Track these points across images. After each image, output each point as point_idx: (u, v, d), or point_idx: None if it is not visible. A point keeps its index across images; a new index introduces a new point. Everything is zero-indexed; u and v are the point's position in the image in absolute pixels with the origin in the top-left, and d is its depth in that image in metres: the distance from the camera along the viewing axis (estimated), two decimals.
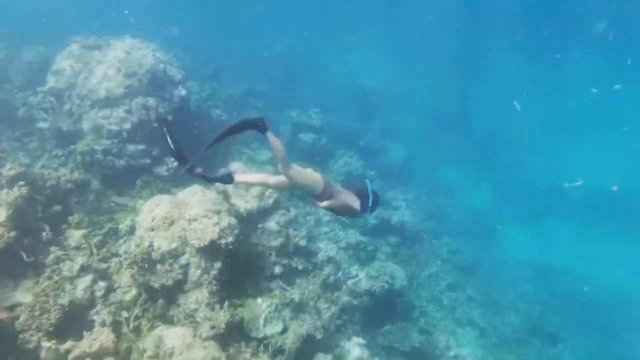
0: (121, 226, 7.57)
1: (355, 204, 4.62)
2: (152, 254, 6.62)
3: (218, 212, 7.09)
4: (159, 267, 6.68)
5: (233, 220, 7.16)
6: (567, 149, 20.20)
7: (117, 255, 7.09)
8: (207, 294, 6.74)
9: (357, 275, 9.16)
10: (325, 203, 4.53)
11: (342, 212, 4.79)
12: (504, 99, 23.37)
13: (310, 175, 4.50)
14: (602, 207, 17.93)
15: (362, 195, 4.72)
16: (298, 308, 7.67)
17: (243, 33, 23.26)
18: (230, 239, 6.82)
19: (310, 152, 12.52)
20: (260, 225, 8.05)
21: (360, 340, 7.78)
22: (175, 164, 9.19)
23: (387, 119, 19.15)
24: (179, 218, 6.86)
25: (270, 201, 8.26)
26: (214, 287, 6.77)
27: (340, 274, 8.88)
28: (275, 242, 7.94)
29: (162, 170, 9.21)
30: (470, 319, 10.89)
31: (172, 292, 6.81)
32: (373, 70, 22.43)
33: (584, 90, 23.62)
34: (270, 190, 8.35)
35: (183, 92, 9.73)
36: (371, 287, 8.83)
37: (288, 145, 13.13)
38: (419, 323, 9.71)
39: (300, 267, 8.24)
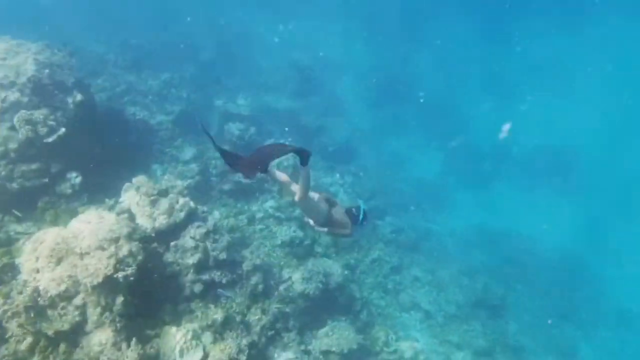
0: (19, 260, 6.73)
1: (347, 229, 5.32)
2: (39, 299, 5.88)
3: (116, 240, 6.36)
4: (50, 312, 5.96)
5: (135, 246, 6.47)
6: (510, 109, 20.17)
7: (9, 297, 6.31)
8: (111, 333, 6.11)
9: (289, 278, 8.71)
10: (323, 229, 5.25)
11: (336, 235, 5.42)
12: (447, 61, 23.05)
13: (318, 207, 5.13)
14: (545, 166, 18.17)
15: (352, 214, 5.35)
16: (222, 327, 7.18)
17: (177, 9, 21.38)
18: (130, 270, 6.15)
19: (238, 145, 11.73)
20: (173, 243, 7.38)
21: (290, 355, 7.42)
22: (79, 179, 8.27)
23: (329, 93, 18.48)
24: (69, 253, 6.10)
25: (182, 214, 7.57)
26: (119, 324, 6.14)
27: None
28: (192, 259, 7.32)
29: (65, 188, 8.29)
30: (414, 302, 10.79)
31: (74, 335, 6.15)
32: (313, 40, 21.45)
33: (527, 48, 23.62)
34: (181, 203, 7.64)
35: (79, 97, 8.66)
36: (304, 290, 8.43)
37: (217, 138, 12.29)
38: (361, 316, 9.46)
39: (224, 281, 7.69)
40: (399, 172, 17.38)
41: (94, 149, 9.04)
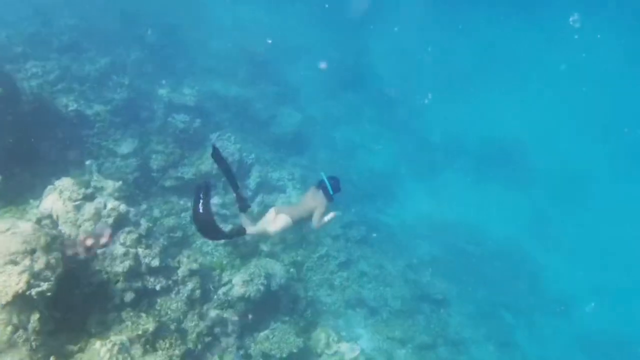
0: None
1: (321, 207, 5.37)
2: None
3: (32, 252, 5.89)
4: None
5: (55, 258, 6.03)
6: (462, 100, 20.48)
7: None
8: (26, 352, 5.72)
9: (230, 281, 8.49)
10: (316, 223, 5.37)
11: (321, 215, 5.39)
12: (403, 50, 23.02)
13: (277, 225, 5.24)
14: (493, 158, 18.65)
15: (322, 188, 5.45)
16: (154, 337, 6.90)
17: None
18: (47, 284, 5.73)
19: (182, 138, 11.22)
20: (100, 250, 6.97)
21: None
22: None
23: (282, 80, 17.99)
24: None
25: (111, 220, 7.13)
26: (35, 343, 5.75)
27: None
28: (121, 267, 6.94)
29: None
30: (360, 299, 10.86)
31: None
32: (267, 25, 20.72)
33: (481, 40, 23.92)
34: (110, 208, 7.19)
35: None
36: (245, 293, 8.24)
37: (160, 131, 11.71)
38: (305, 315, 9.41)
39: (158, 288, 7.38)
40: (352, 163, 17.35)
41: (19, 146, 8.36)
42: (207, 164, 10.92)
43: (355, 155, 17.96)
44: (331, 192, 5.39)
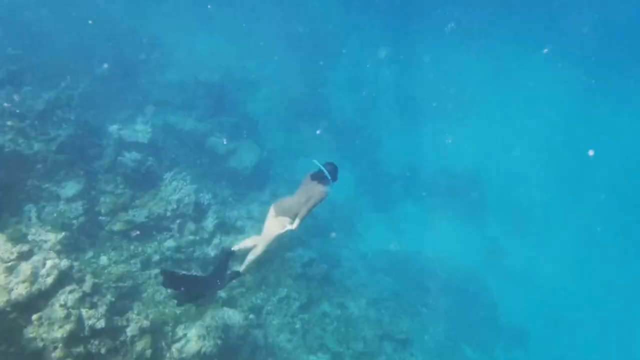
0: None
1: (317, 195, 5.45)
2: None
3: None
4: None
5: None
6: (419, 132, 20.99)
7: None
8: None
9: (184, 336, 7.96)
10: (297, 222, 5.40)
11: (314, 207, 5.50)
12: (361, 79, 23.44)
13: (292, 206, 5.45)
14: (449, 188, 19.10)
15: (318, 177, 5.56)
16: None
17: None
18: None
19: (133, 178, 10.65)
20: (36, 316, 6.31)
21: None
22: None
23: (240, 112, 17.71)
24: None
25: (50, 280, 6.51)
26: None
27: None
28: (60, 332, 6.31)
29: None
30: (322, 343, 10.54)
31: None
32: (227, 55, 20.50)
33: (437, 69, 24.79)
34: (49, 266, 6.58)
35: None
36: (200, 349, 7.74)
37: (109, 170, 11.07)
38: None
39: (103, 351, 6.77)
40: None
41: None
42: (160, 205, 10.43)
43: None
44: (329, 178, 5.54)
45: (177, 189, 10.35)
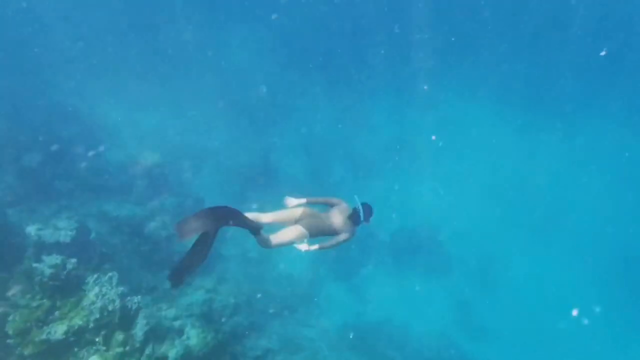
0: None
1: (344, 236, 5.45)
2: None
3: None
4: None
5: None
6: (371, 191, 20.65)
7: None
8: None
9: None
10: (313, 248, 5.32)
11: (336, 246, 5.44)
12: (310, 145, 23.25)
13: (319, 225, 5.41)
14: (409, 248, 18.56)
15: (355, 213, 5.53)
16: None
17: None
18: None
19: (52, 286, 9.43)
20: None
21: None
22: None
23: (183, 190, 16.85)
24: None
25: None
26: None
27: None
28: None
29: None
30: None
31: None
32: (166, 130, 19.88)
33: (386, 130, 25.07)
34: None
35: None
36: None
37: (24, 278, 9.80)
38: None
39: None
40: (267, 272, 16.19)
41: None
42: (82, 316, 9.17)
43: (270, 262, 16.83)
44: (362, 219, 5.48)
45: (100, 295, 9.16)
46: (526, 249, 20.88)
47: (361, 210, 5.50)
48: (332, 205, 5.82)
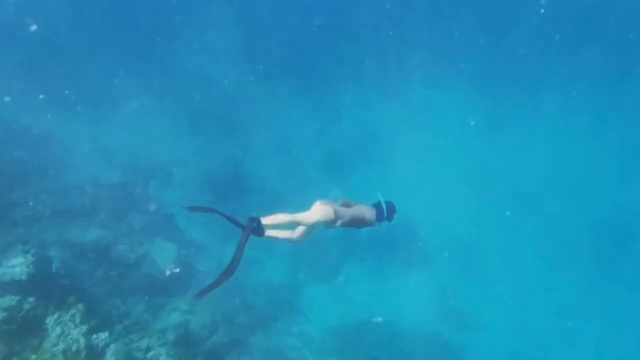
0: None
1: (369, 215, 5.57)
2: None
3: None
4: None
5: None
6: (348, 188, 20.33)
7: None
8: None
9: None
10: (339, 222, 5.31)
11: (358, 225, 5.53)
12: (284, 148, 22.82)
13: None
14: (387, 241, 18.31)
15: (377, 206, 5.68)
16: None
17: None
18: None
19: (6, 330, 8.82)
20: None
21: None
22: None
23: (152, 209, 16.20)
24: None
25: None
26: None
27: None
28: None
29: None
30: None
31: None
32: (130, 146, 19.05)
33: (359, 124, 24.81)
34: None
35: None
36: None
37: None
38: None
39: None
40: (245, 282, 15.76)
41: None
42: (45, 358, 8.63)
43: (248, 272, 16.39)
44: (385, 215, 5.62)
45: (62, 336, 8.62)
46: (505, 236, 21.01)
47: (384, 207, 5.62)
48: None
